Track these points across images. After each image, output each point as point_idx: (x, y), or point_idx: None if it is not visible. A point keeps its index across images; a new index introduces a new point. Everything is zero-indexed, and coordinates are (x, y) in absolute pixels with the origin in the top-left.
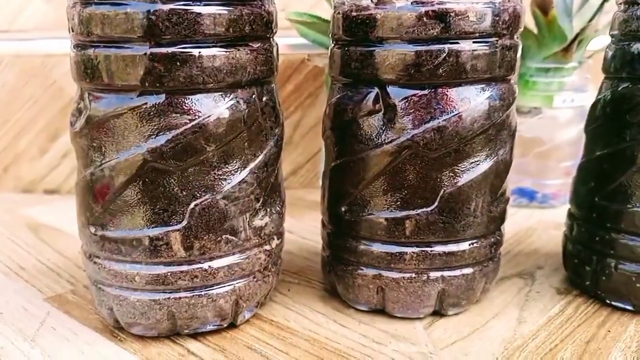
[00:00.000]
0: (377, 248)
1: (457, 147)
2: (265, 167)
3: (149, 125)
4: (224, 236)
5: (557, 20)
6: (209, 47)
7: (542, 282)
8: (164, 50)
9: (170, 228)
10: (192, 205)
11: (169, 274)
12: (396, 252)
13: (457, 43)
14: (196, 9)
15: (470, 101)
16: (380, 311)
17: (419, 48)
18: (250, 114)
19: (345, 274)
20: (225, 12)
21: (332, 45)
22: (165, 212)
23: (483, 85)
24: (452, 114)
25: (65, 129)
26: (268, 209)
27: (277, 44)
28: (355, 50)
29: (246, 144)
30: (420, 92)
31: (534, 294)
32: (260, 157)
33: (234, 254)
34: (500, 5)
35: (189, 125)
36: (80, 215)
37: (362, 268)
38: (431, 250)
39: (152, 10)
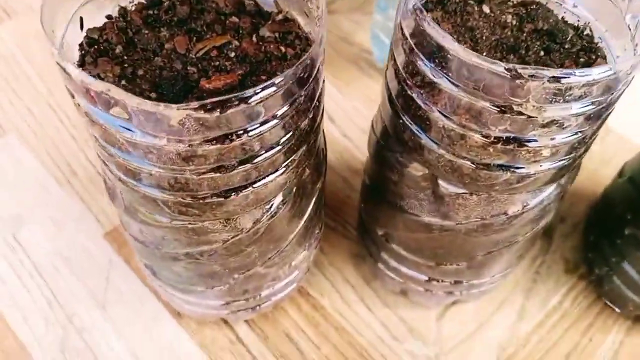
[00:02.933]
0: (405, 270)
1: (499, 230)
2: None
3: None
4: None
5: None
6: None
7: (557, 247)
8: None
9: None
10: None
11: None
12: (423, 280)
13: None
14: None
15: (526, 204)
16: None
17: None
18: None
19: (375, 266)
20: None
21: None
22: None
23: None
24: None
25: None
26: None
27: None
28: (410, 127)
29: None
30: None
31: (545, 269)
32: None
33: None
34: None
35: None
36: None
37: (391, 274)
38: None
39: None
